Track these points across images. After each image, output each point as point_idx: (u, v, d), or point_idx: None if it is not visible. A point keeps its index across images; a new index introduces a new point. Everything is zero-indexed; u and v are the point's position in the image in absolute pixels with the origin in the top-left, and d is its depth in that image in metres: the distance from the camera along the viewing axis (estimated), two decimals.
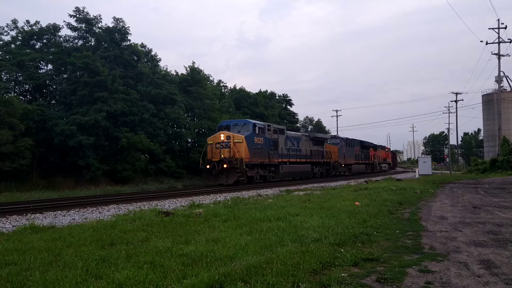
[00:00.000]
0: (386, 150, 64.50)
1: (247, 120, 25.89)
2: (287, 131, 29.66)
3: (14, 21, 33.08)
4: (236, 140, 22.92)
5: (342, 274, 4.64)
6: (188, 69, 41.82)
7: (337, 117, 76.48)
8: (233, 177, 22.36)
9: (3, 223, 9.98)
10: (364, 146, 47.47)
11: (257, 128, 24.54)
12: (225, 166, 22.19)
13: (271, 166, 26.33)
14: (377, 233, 7.33)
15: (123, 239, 6.74)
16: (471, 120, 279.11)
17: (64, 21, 33.16)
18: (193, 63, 44.46)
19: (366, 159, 47.89)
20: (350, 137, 45.39)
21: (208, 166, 22.90)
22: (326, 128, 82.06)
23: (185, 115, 38.86)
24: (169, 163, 34.36)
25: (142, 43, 40.26)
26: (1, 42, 32.44)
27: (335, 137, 42.90)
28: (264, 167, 25.49)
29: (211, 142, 23.47)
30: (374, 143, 55.90)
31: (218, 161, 22.57)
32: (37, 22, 33.96)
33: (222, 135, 23.31)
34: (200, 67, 43.44)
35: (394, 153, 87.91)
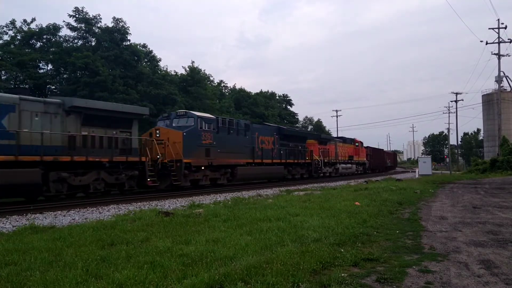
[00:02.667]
0: (356, 144, 43.36)
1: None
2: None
3: (12, 21, 33.15)
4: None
5: (342, 274, 4.64)
6: (187, 69, 41.88)
7: (337, 117, 76.45)
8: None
9: (3, 223, 9.97)
10: (296, 137, 30.37)
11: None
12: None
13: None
14: (377, 233, 7.33)
15: (123, 239, 6.74)
16: (471, 120, 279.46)
17: (64, 21, 33.24)
18: (192, 62, 44.44)
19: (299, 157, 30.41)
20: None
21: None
22: (326, 128, 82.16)
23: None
24: None
25: (144, 44, 40.29)
26: (1, 42, 32.50)
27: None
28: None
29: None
30: (347, 137, 43.46)
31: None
32: (33, 20, 34.04)
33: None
34: (200, 67, 43.53)
35: (395, 153, 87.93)
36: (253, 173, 24.20)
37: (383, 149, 61.88)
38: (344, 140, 41.10)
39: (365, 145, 52.80)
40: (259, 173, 24.87)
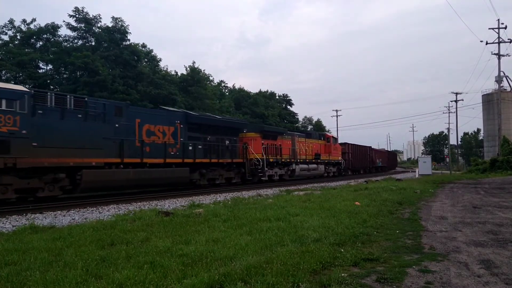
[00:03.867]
0: (326, 140, 34.65)
1: None
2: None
3: (11, 21, 33.16)
4: None
5: (342, 274, 4.64)
6: (188, 69, 41.89)
7: (337, 117, 76.38)
8: None
9: (3, 223, 9.97)
10: (218, 128, 22.76)
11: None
12: None
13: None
14: (377, 233, 7.33)
15: (123, 239, 6.74)
16: (471, 120, 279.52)
17: (64, 21, 33.25)
18: (193, 63, 44.39)
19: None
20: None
21: None
22: (326, 128, 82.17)
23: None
24: None
25: (143, 43, 40.32)
26: (0, 42, 32.51)
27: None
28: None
29: None
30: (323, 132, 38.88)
31: None
32: (33, 20, 34.09)
33: None
34: (200, 67, 43.53)
35: (395, 153, 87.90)
36: (120, 178, 15.75)
37: (370, 147, 49.98)
38: (308, 134, 33.01)
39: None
40: (136, 178, 16.36)
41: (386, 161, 59.24)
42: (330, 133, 46.51)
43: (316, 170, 31.63)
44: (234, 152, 22.79)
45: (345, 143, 40.40)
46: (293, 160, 28.30)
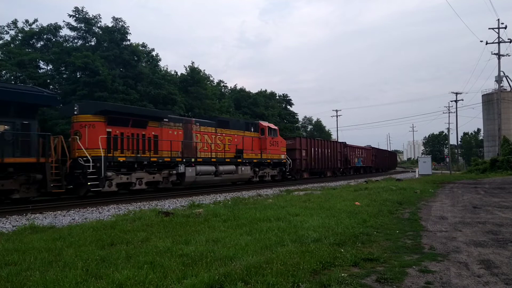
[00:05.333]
0: (259, 130, 25.49)
1: None
2: None
3: (14, 22, 33.23)
4: None
5: (342, 274, 4.64)
6: (188, 68, 41.88)
7: (337, 117, 76.33)
8: None
9: (3, 223, 9.98)
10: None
11: None
12: None
13: None
14: (377, 233, 7.33)
15: (123, 239, 6.74)
16: (471, 120, 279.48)
17: (64, 21, 33.26)
18: (193, 63, 44.36)
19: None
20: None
21: None
22: (326, 128, 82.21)
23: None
24: None
25: (143, 43, 40.29)
26: (1, 42, 32.54)
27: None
28: None
29: None
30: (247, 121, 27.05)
31: None
32: (36, 20, 34.15)
33: None
34: (200, 67, 43.50)
35: (394, 153, 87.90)
36: None
37: (343, 143, 40.62)
38: (223, 122, 22.67)
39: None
40: None
41: (372, 160, 49.76)
42: (330, 133, 42.13)
43: (236, 174, 22.31)
44: (26, 147, 13.34)
45: (295, 138, 31.60)
46: (184, 158, 18.88)
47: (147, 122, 17.64)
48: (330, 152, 35.52)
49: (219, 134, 22.03)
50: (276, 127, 27.48)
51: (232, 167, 22.12)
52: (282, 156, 27.32)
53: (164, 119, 18.63)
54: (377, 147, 64.33)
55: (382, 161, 56.74)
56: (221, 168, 21.26)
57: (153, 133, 17.93)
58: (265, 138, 25.41)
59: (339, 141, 43.23)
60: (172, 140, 18.55)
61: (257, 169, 24.66)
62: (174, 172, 18.41)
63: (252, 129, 25.03)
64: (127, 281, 4.30)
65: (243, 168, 22.99)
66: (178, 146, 18.99)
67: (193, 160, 19.46)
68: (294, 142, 30.34)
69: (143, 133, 17.46)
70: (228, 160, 22.00)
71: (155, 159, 17.51)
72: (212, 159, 20.88)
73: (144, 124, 17.46)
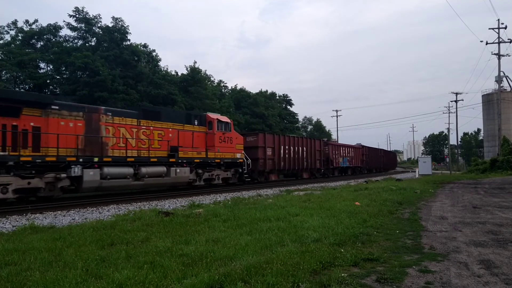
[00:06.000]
0: (206, 124, 20.92)
1: None
2: None
3: (14, 22, 33.28)
4: None
5: (342, 274, 4.64)
6: (188, 68, 41.89)
7: (337, 117, 76.35)
8: None
9: (3, 223, 9.97)
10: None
11: None
12: None
13: None
14: (377, 233, 7.33)
15: (123, 239, 6.74)
16: (471, 120, 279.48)
17: (64, 21, 33.29)
18: (195, 63, 44.18)
19: None
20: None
21: None
22: (326, 128, 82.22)
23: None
24: None
25: (144, 43, 40.31)
26: (1, 42, 32.56)
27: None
28: None
29: None
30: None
31: None
32: (36, 21, 34.19)
33: None
34: (201, 67, 43.53)
35: (394, 153, 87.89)
36: None
37: (325, 140, 37.77)
38: (147, 113, 17.95)
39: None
40: None
41: (363, 160, 45.28)
42: (330, 133, 37.42)
43: (167, 177, 18.07)
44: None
45: (257, 133, 26.49)
46: (82, 158, 14.68)
47: (21, 109, 13.32)
48: (306, 151, 31.27)
49: (144, 127, 17.43)
50: (229, 120, 22.66)
51: (162, 169, 17.68)
52: (238, 155, 22.68)
53: (52, 106, 14.20)
54: (374, 146, 60.87)
55: (375, 161, 52.44)
56: (144, 170, 16.72)
57: (32, 124, 13.60)
58: (213, 133, 20.75)
59: (322, 139, 38.51)
60: (61, 134, 14.05)
61: (200, 171, 20.03)
62: (64, 175, 13.96)
63: (196, 122, 20.33)
64: (127, 281, 4.30)
65: (178, 170, 18.43)
66: (73, 142, 14.55)
67: (96, 159, 14.99)
68: (256, 138, 25.43)
69: (14, 123, 13.17)
70: (155, 160, 17.43)
71: (29, 159, 13.00)
72: (129, 159, 16.24)
73: (15, 112, 13.18)
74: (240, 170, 23.08)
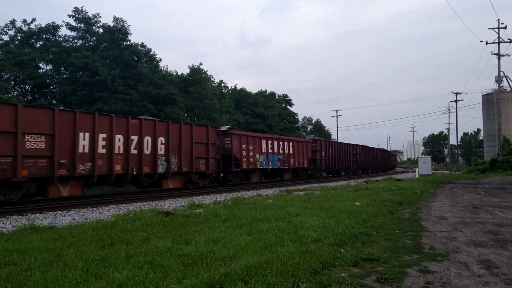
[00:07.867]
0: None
1: None
2: None
3: (13, 22, 33.21)
4: None
5: (342, 274, 4.64)
6: (193, 67, 41.84)
7: (337, 117, 76.32)
8: None
9: (3, 223, 9.98)
10: None
11: None
12: None
13: None
14: (377, 233, 7.33)
15: (123, 239, 6.74)
16: (471, 120, 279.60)
17: (64, 21, 33.27)
18: (201, 64, 43.81)
19: None
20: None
21: None
22: (326, 128, 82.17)
23: (185, 115, 38.76)
24: None
25: (142, 43, 40.31)
26: (1, 42, 32.53)
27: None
28: None
29: None
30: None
31: None
32: (34, 20, 34.16)
33: None
34: (202, 67, 43.46)
35: (394, 154, 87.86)
36: None
37: (217, 128, 23.45)
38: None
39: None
40: None
41: (316, 159, 33.42)
42: (330, 133, 35.17)
43: None
44: None
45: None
46: None
47: None
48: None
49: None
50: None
51: None
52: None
53: None
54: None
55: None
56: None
57: None
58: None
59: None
60: None
61: None
62: None
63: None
64: (127, 281, 4.30)
65: None
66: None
67: None
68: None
69: None
70: None
71: None
72: None
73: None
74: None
